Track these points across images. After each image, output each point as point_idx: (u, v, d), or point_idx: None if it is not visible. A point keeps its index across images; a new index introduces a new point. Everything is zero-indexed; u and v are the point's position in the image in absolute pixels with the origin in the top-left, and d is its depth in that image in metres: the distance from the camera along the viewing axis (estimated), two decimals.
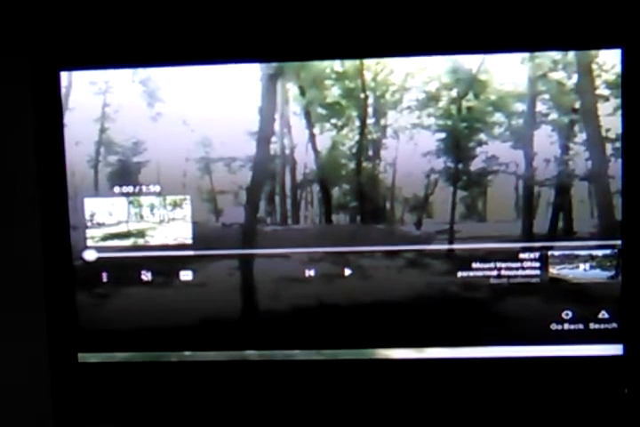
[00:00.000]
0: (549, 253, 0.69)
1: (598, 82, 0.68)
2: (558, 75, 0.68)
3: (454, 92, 0.68)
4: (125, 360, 0.70)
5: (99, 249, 0.70)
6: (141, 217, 0.70)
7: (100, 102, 0.69)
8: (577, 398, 0.69)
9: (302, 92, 0.69)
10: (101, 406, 0.70)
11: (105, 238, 0.70)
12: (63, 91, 0.69)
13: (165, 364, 0.70)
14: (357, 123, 0.69)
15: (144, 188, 0.69)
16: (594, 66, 0.68)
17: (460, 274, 0.69)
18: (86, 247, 0.70)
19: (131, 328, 0.70)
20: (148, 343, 0.70)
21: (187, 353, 0.70)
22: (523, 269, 0.69)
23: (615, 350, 0.69)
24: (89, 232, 0.70)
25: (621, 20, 0.67)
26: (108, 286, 0.70)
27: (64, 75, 0.69)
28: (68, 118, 0.69)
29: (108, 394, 0.70)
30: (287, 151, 0.69)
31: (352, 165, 0.69)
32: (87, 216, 0.70)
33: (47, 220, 0.70)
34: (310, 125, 0.69)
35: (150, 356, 0.70)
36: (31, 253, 0.69)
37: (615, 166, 0.68)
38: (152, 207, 0.69)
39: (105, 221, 0.70)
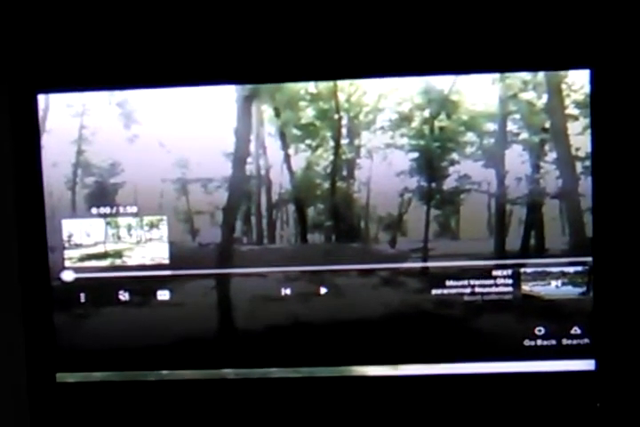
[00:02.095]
0: (522, 270, 0.70)
1: (567, 102, 0.69)
2: (528, 95, 0.69)
3: (427, 113, 0.69)
4: (103, 380, 0.71)
5: (76, 270, 0.70)
6: (119, 238, 0.70)
7: (77, 124, 0.70)
8: (550, 412, 0.70)
9: (277, 114, 0.70)
10: (79, 426, 0.71)
11: (82, 259, 0.70)
12: (41, 113, 0.69)
13: (143, 383, 0.71)
14: (332, 143, 0.70)
15: (121, 208, 0.70)
16: (563, 86, 0.69)
17: (434, 291, 0.70)
18: (64, 268, 0.70)
19: (108, 348, 0.70)
20: (126, 363, 0.71)
21: (164, 372, 0.71)
22: (496, 286, 0.70)
23: (587, 365, 0.70)
24: (67, 253, 0.70)
25: (590, 41, 0.68)
26: (86, 307, 0.70)
27: (41, 97, 0.69)
28: (45, 140, 0.70)
29: (86, 414, 0.71)
30: (263, 172, 0.70)
31: (327, 185, 0.70)
32: (65, 237, 0.70)
33: (25, 241, 0.70)
34: (285, 146, 0.70)
35: (128, 375, 0.71)
36: (9, 274, 0.70)
37: (585, 184, 0.69)
38: (129, 228, 0.70)
39: (82, 241, 0.70)
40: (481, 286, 0.70)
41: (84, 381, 0.71)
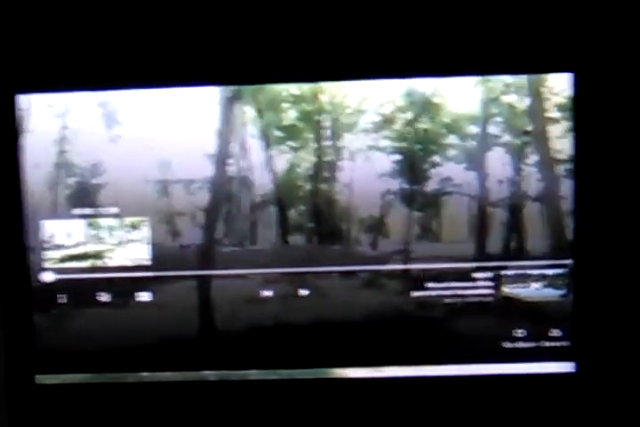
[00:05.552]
0: (502, 272, 0.70)
1: (549, 105, 0.69)
2: (510, 98, 0.69)
3: (409, 115, 0.70)
4: (83, 382, 0.70)
5: (57, 271, 0.70)
6: (100, 239, 0.70)
7: (59, 125, 0.69)
8: (530, 414, 0.70)
9: (260, 115, 0.70)
10: None
11: (63, 260, 0.70)
12: (22, 113, 0.69)
13: (123, 385, 0.70)
14: (314, 145, 0.70)
15: (102, 209, 0.70)
16: (545, 89, 0.69)
17: (414, 294, 0.70)
18: (44, 269, 0.70)
19: (89, 349, 0.70)
20: (106, 364, 0.70)
21: (144, 374, 0.70)
22: (476, 288, 0.70)
23: (567, 367, 0.70)
24: (47, 254, 0.70)
25: (572, 45, 0.69)
26: (67, 308, 0.70)
27: (23, 98, 0.69)
28: (27, 141, 0.69)
29: (65, 416, 0.70)
30: (245, 173, 0.70)
31: (309, 187, 0.70)
32: (45, 238, 0.70)
33: (5, 241, 0.70)
34: (268, 147, 0.70)
35: (108, 377, 0.70)
36: None
37: (566, 187, 0.69)
38: (110, 229, 0.70)
39: (63, 242, 0.70)
40: (462, 288, 0.70)
41: (64, 383, 0.70)
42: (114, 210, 0.70)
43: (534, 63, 0.69)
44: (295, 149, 0.70)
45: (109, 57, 0.69)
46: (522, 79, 0.69)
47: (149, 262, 0.70)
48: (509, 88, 0.69)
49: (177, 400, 0.70)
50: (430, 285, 0.70)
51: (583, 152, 0.69)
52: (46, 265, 0.70)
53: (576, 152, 0.69)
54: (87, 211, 0.70)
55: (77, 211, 0.70)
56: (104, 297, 0.70)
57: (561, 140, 0.69)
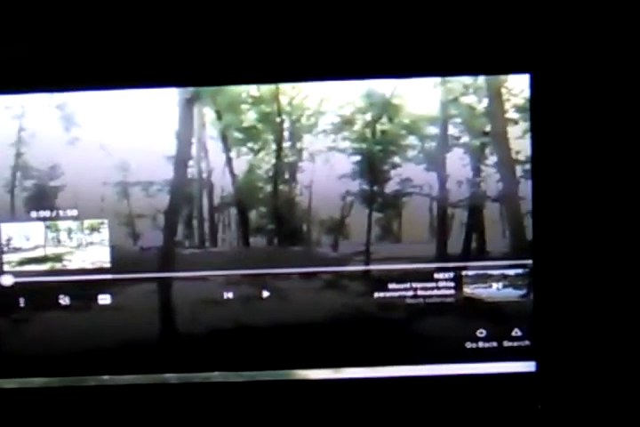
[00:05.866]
0: (463, 273, 0.70)
1: (508, 106, 0.70)
2: (469, 99, 0.70)
3: (368, 116, 0.70)
4: (43, 386, 0.70)
5: (15, 274, 0.69)
6: (59, 241, 0.69)
7: (16, 127, 0.69)
8: (492, 414, 0.70)
9: (219, 117, 0.69)
10: None
11: (22, 263, 0.69)
12: None
13: (84, 388, 0.70)
14: (274, 146, 0.70)
15: (61, 212, 0.69)
16: (503, 90, 0.70)
17: (376, 295, 0.70)
18: (3, 272, 0.69)
19: (49, 353, 0.70)
20: (67, 368, 0.70)
21: (105, 377, 0.70)
22: (438, 288, 0.70)
23: (528, 366, 0.70)
24: (5, 257, 0.69)
25: (530, 45, 0.69)
26: (26, 311, 0.69)
27: None
28: None
29: (25, 420, 0.70)
30: (204, 175, 0.70)
31: (269, 188, 0.70)
32: (3, 241, 0.69)
33: None
34: (227, 149, 0.69)
35: (69, 380, 0.70)
36: None
37: (525, 188, 0.70)
38: (69, 231, 0.69)
39: (22, 245, 0.69)
40: (423, 288, 0.70)
41: (24, 387, 0.70)
42: (73, 212, 0.69)
43: (492, 64, 0.69)
44: (255, 151, 0.70)
45: (67, 58, 0.68)
46: (480, 80, 0.69)
47: (109, 265, 0.70)
48: (468, 89, 0.70)
49: (139, 403, 0.70)
50: (392, 286, 0.70)
51: (541, 153, 0.69)
52: (5, 268, 0.69)
53: (533, 153, 0.70)
54: (46, 213, 0.69)
55: (36, 213, 0.69)
56: (64, 300, 0.69)
57: (520, 141, 0.70)
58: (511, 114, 0.70)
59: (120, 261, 0.70)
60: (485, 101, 0.70)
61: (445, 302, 0.70)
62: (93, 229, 0.69)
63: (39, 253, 0.69)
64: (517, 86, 0.69)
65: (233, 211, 0.70)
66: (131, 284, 0.70)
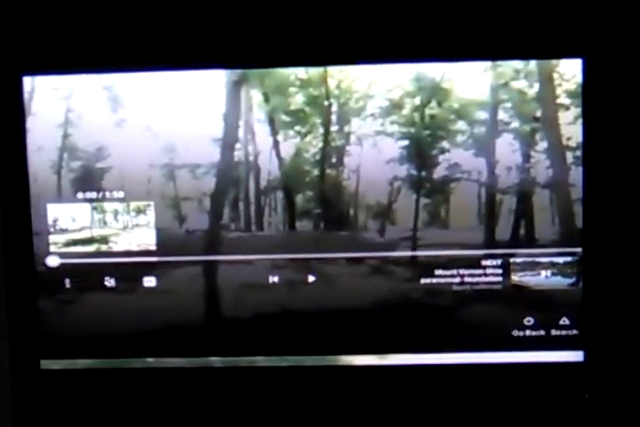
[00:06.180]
0: (511, 260, 0.69)
1: (559, 91, 0.68)
2: (520, 84, 0.68)
3: (417, 100, 0.69)
4: (88, 367, 0.70)
5: (62, 255, 0.69)
6: (105, 223, 0.69)
7: (64, 108, 0.69)
8: (538, 403, 0.70)
9: (266, 99, 0.69)
10: (63, 414, 0.70)
11: (68, 244, 0.69)
12: (26, 96, 0.68)
13: (129, 371, 0.70)
14: (321, 130, 0.69)
15: (107, 194, 0.69)
16: (555, 75, 0.68)
17: (422, 281, 0.69)
18: (49, 253, 0.69)
19: (94, 335, 0.70)
20: (111, 350, 0.70)
21: (150, 360, 0.70)
22: (485, 275, 0.69)
23: (576, 356, 0.69)
24: (52, 238, 0.69)
25: (583, 30, 0.68)
26: (71, 293, 0.69)
27: (27, 80, 0.68)
28: (30, 124, 0.69)
29: (70, 401, 0.70)
30: (251, 158, 0.69)
31: (316, 172, 0.69)
32: (50, 222, 0.69)
33: (9, 226, 0.69)
34: (274, 132, 0.69)
35: (113, 363, 0.70)
36: None
37: (576, 174, 0.68)
38: (116, 213, 0.69)
39: (68, 226, 0.69)
40: (470, 275, 0.69)
41: (69, 368, 0.70)
42: (119, 194, 0.69)
43: (544, 48, 0.68)
44: (302, 134, 0.69)
45: (115, 39, 0.68)
46: (532, 65, 0.68)
47: (155, 247, 0.69)
48: (519, 74, 0.68)
49: (183, 386, 0.70)
50: (439, 272, 0.69)
51: (593, 139, 0.68)
52: (51, 249, 0.69)
53: (585, 139, 0.68)
54: (92, 195, 0.69)
55: (82, 195, 0.69)
56: (109, 282, 0.69)
57: (571, 127, 0.69)
58: (562, 99, 0.68)
59: (166, 243, 0.69)
60: (536, 86, 0.68)
61: (493, 290, 0.69)
62: (139, 211, 0.69)
63: (85, 234, 0.69)
64: (569, 71, 0.68)
65: (279, 194, 0.69)
66: (176, 267, 0.69)
